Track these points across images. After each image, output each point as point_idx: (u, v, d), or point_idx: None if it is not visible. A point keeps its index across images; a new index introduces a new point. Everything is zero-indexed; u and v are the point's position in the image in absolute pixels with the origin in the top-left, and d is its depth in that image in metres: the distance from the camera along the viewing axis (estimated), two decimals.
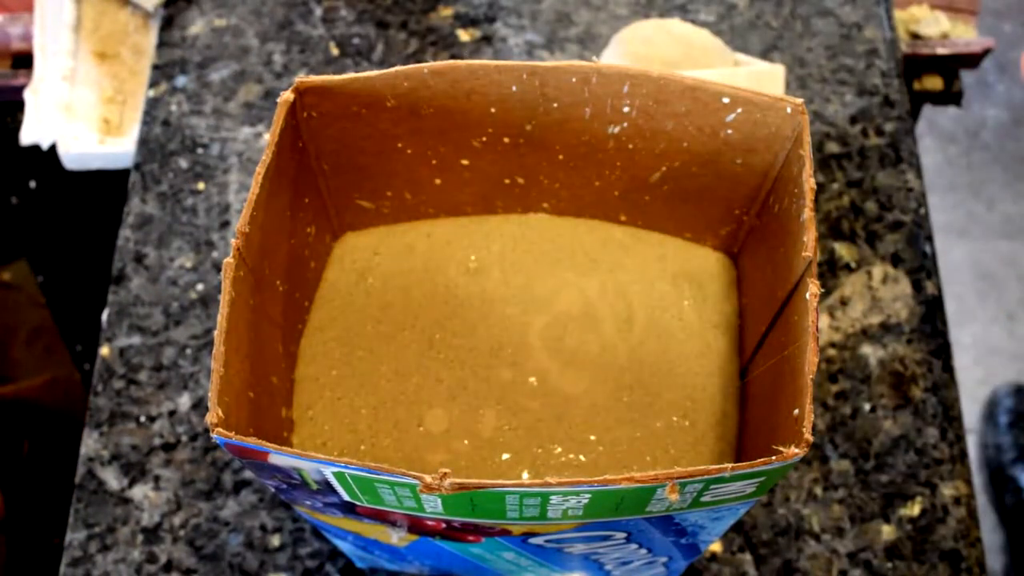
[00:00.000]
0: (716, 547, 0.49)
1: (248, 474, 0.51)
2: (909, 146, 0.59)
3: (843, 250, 0.56)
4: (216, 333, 0.31)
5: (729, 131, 0.38)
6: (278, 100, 0.36)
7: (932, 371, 0.52)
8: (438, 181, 0.43)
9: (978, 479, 1.14)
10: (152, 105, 0.62)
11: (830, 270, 0.55)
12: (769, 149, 0.38)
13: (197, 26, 0.65)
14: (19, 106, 0.66)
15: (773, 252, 0.38)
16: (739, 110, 0.37)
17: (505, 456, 0.40)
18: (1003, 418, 1.13)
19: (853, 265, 0.55)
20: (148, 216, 0.58)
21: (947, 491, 0.50)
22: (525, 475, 0.40)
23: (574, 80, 0.37)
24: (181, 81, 0.63)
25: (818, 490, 0.50)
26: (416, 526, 0.35)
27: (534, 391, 0.41)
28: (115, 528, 0.50)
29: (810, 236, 0.33)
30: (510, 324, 0.43)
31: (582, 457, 0.40)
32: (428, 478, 0.28)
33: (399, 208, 0.45)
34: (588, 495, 0.29)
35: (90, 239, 0.69)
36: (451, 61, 0.37)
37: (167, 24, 0.65)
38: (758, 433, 0.37)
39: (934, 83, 0.70)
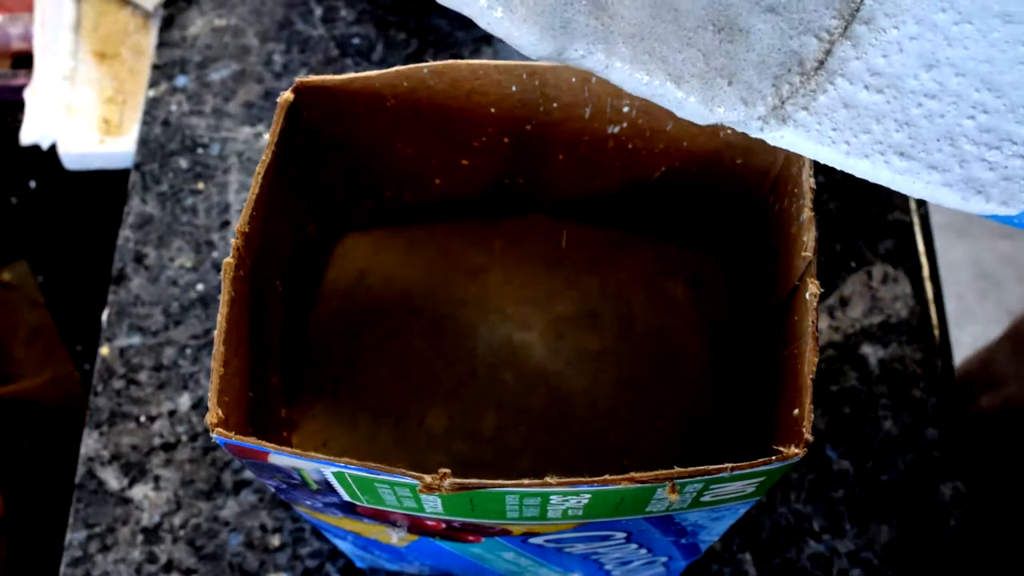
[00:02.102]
0: (716, 546, 0.49)
1: (248, 474, 0.51)
2: None
3: (843, 250, 0.56)
4: (216, 333, 0.31)
5: (729, 131, 0.38)
6: (278, 100, 0.36)
7: (932, 371, 0.52)
8: (438, 181, 0.43)
9: None
10: (152, 105, 0.62)
11: (830, 270, 0.55)
12: (769, 149, 0.38)
13: (197, 26, 0.65)
14: (19, 106, 0.66)
15: (773, 252, 0.38)
16: None
17: (505, 457, 0.40)
18: None
19: (853, 265, 0.55)
20: (148, 216, 0.58)
21: (947, 491, 0.50)
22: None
23: (574, 80, 0.37)
24: (181, 81, 0.63)
25: (818, 490, 0.50)
26: (416, 526, 0.35)
27: (534, 392, 0.41)
28: (115, 528, 0.50)
29: (810, 236, 0.33)
30: (510, 324, 0.43)
31: (581, 456, 0.40)
32: (428, 478, 0.28)
33: (399, 208, 0.45)
34: (588, 495, 0.29)
35: (90, 239, 0.69)
36: (451, 61, 0.37)
37: (167, 24, 0.65)
38: (758, 433, 0.37)
39: None
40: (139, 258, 0.57)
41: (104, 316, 0.55)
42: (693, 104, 0.26)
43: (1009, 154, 0.25)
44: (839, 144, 0.27)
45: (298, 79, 0.37)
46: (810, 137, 0.27)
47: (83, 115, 0.64)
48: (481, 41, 0.64)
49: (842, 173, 0.58)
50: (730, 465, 0.28)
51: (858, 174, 0.27)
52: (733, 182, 0.41)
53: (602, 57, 0.26)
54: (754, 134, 0.27)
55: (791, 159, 0.37)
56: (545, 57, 0.26)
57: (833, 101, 0.26)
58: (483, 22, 0.26)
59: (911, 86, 0.25)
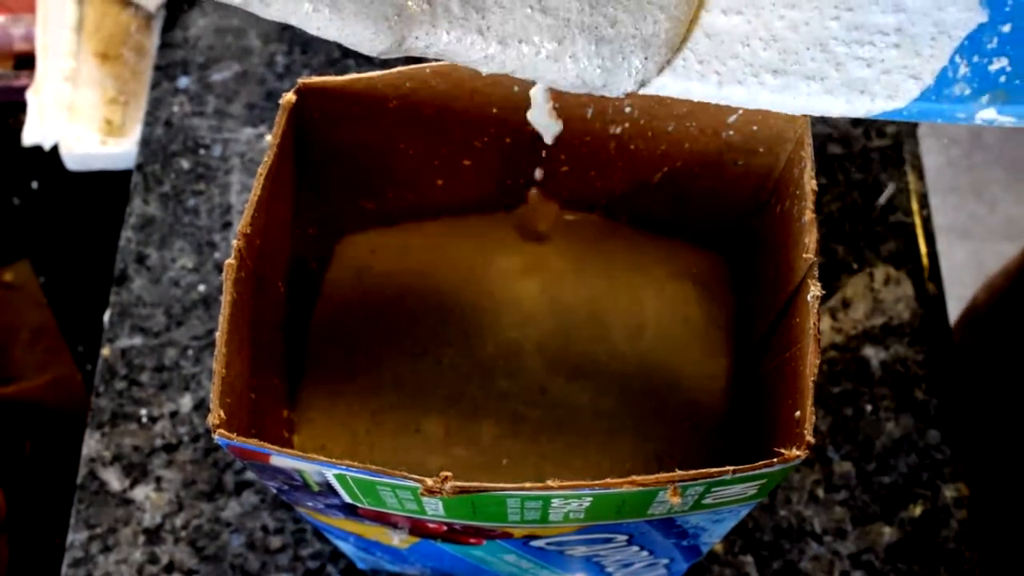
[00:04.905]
0: (718, 548, 0.49)
1: (250, 475, 0.51)
2: (911, 147, 0.59)
3: (845, 252, 0.56)
4: (218, 334, 0.31)
5: (731, 132, 0.38)
6: (280, 101, 0.36)
7: (934, 373, 0.52)
8: (440, 182, 0.43)
9: None
10: (154, 106, 0.62)
11: (832, 272, 0.55)
12: (771, 151, 0.38)
13: (199, 27, 0.65)
14: (21, 107, 0.66)
15: (775, 254, 0.38)
16: (740, 111, 0.37)
17: (505, 462, 0.40)
18: None
19: (855, 266, 0.55)
20: (150, 217, 0.58)
21: (949, 493, 0.50)
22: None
23: None
24: (183, 82, 0.63)
25: (820, 492, 0.50)
26: (417, 528, 0.35)
27: (535, 395, 0.41)
28: (116, 529, 0.50)
29: (811, 238, 0.33)
30: (510, 328, 0.43)
31: (583, 461, 0.40)
32: (430, 481, 0.28)
33: (400, 209, 0.45)
34: (590, 498, 0.29)
35: (92, 240, 0.69)
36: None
37: (169, 25, 0.65)
38: (760, 435, 0.37)
39: None
40: (141, 259, 0.57)
41: (106, 317, 0.55)
42: (558, 69, 0.25)
43: (883, 46, 0.24)
44: (709, 76, 0.26)
45: (300, 80, 0.37)
46: (677, 76, 0.26)
47: (85, 116, 0.64)
48: None
49: (844, 174, 0.58)
50: (731, 468, 0.28)
51: (736, 103, 0.26)
52: (734, 184, 0.40)
53: (446, 37, 0.25)
54: (622, 91, 0.26)
55: (792, 160, 0.37)
56: (386, 52, 0.24)
57: (693, 34, 0.26)
58: (312, 27, 0.24)
59: (768, 0, 0.25)
